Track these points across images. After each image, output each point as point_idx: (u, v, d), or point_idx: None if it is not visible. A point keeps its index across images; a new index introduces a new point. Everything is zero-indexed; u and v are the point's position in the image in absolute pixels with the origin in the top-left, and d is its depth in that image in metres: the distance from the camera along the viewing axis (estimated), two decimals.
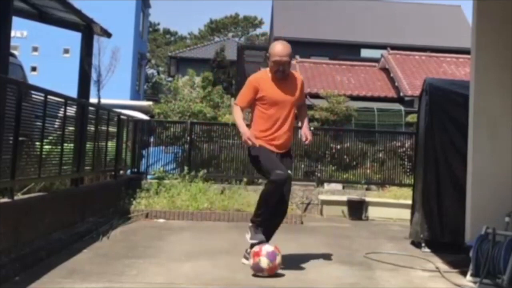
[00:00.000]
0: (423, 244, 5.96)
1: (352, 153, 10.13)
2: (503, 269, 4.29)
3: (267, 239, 4.80)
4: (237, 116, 4.90)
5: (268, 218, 4.83)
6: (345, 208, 8.89)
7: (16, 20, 6.43)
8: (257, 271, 4.49)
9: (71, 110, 6.23)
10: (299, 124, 5.26)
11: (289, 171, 4.82)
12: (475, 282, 4.48)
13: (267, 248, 4.52)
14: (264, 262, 4.44)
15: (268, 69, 4.97)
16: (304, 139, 4.96)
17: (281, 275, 4.60)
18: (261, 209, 4.79)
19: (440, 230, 5.94)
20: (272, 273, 4.49)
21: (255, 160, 4.83)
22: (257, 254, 4.49)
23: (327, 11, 28.92)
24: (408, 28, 27.90)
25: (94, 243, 5.68)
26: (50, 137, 5.77)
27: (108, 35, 8.28)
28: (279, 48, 4.84)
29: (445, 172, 5.96)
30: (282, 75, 4.87)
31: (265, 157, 4.75)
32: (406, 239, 6.55)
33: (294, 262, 5.05)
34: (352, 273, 4.79)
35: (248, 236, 4.81)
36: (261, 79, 4.92)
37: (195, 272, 4.62)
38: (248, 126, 4.91)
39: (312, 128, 11.02)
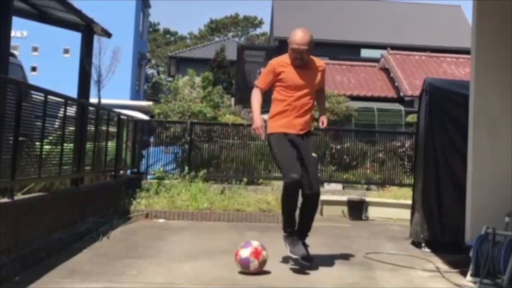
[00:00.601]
0: (423, 244, 5.96)
1: (352, 153, 10.13)
2: (503, 269, 4.29)
3: (304, 232, 4.89)
4: (254, 100, 4.96)
5: (300, 213, 4.88)
6: (345, 208, 8.88)
7: (16, 20, 6.43)
8: (245, 267, 4.52)
9: (71, 110, 6.22)
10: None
11: (313, 154, 4.86)
12: (475, 282, 4.48)
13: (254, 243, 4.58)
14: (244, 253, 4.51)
15: (283, 56, 5.01)
16: (321, 124, 5.11)
17: (281, 275, 4.60)
18: (284, 215, 4.81)
19: (440, 230, 5.94)
20: (259, 258, 4.49)
21: (272, 153, 4.94)
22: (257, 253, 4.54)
23: (327, 11, 28.91)
24: (408, 28, 27.89)
25: (94, 243, 5.68)
26: (50, 137, 5.77)
27: (108, 35, 8.28)
28: (298, 36, 4.82)
29: (445, 172, 5.96)
30: (300, 63, 4.87)
31: (282, 152, 4.76)
32: (406, 239, 6.55)
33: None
34: (352, 273, 4.79)
35: (288, 249, 4.76)
36: (282, 62, 4.94)
37: (195, 272, 4.62)
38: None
39: (312, 128, 11.05)
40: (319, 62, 5.09)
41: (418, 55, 21.11)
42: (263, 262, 4.53)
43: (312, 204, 4.91)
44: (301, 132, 4.90)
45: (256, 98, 4.97)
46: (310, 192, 4.80)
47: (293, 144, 4.81)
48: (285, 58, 4.98)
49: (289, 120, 4.86)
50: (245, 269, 4.51)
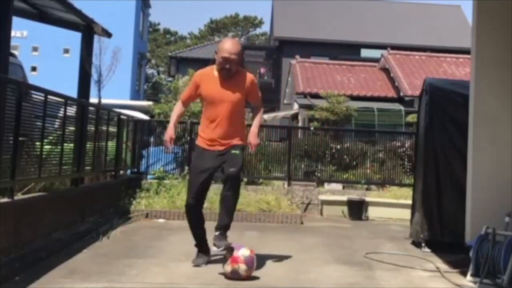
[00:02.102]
0: (423, 244, 5.96)
1: (352, 153, 10.13)
2: (503, 269, 4.29)
3: (223, 223, 4.77)
4: (173, 112, 5.02)
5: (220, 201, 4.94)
6: (345, 208, 8.88)
7: (16, 20, 6.42)
8: (235, 277, 4.37)
9: (71, 110, 6.22)
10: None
11: (232, 169, 4.66)
12: (475, 282, 4.48)
13: (243, 253, 4.40)
14: (242, 270, 4.35)
15: (214, 65, 4.82)
16: (248, 146, 4.88)
17: (281, 275, 4.60)
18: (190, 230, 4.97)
19: (440, 230, 5.94)
20: (249, 277, 4.40)
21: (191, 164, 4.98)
22: (235, 260, 4.36)
23: (327, 11, 28.93)
24: (408, 28, 27.91)
25: (94, 243, 5.68)
26: (50, 137, 5.77)
27: (109, 35, 8.28)
28: (228, 45, 4.71)
29: (445, 172, 5.96)
30: (227, 73, 4.70)
31: (193, 173, 4.85)
32: (406, 239, 6.55)
33: (294, 262, 5.05)
34: (352, 273, 4.79)
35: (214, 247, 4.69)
36: (204, 75, 4.83)
37: (195, 272, 4.62)
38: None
39: (312, 128, 11.05)
40: (249, 75, 4.86)
41: (418, 55, 21.11)
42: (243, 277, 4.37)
43: (229, 186, 4.73)
44: (221, 148, 4.77)
45: (175, 110, 4.98)
46: (228, 173, 4.67)
47: (210, 165, 4.74)
48: (209, 70, 4.84)
49: (211, 136, 4.76)
50: (231, 264, 4.40)
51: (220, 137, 4.76)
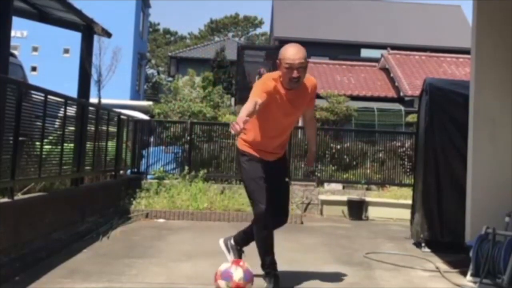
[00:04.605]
0: (423, 244, 5.97)
1: (352, 153, 10.13)
2: (503, 269, 4.29)
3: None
4: (245, 107, 3.72)
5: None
6: (345, 208, 8.89)
7: (16, 20, 6.43)
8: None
9: (71, 110, 6.23)
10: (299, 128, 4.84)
11: (286, 179, 4.33)
12: (475, 282, 4.48)
13: (239, 275, 3.88)
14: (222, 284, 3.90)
15: (275, 73, 4.07)
16: (308, 163, 4.57)
17: (281, 275, 4.59)
18: (260, 246, 4.19)
19: (440, 230, 5.94)
20: None
21: (243, 177, 4.22)
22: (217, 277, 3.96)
23: (327, 11, 28.91)
24: (408, 28, 27.90)
25: (94, 243, 5.68)
26: (50, 137, 5.77)
27: (108, 35, 8.29)
28: (293, 51, 3.92)
29: (445, 172, 5.96)
30: (297, 84, 3.96)
31: (253, 179, 4.09)
32: (406, 239, 6.56)
33: (294, 262, 5.05)
34: (352, 273, 4.79)
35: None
36: (275, 85, 3.99)
37: (195, 272, 4.62)
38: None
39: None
40: (312, 81, 4.21)
41: (418, 55, 21.10)
42: None
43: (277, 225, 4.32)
44: (272, 159, 4.22)
45: (247, 106, 3.74)
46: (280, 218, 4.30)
47: (264, 173, 4.11)
48: (277, 79, 4.02)
49: (265, 147, 4.15)
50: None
51: (280, 147, 4.25)
